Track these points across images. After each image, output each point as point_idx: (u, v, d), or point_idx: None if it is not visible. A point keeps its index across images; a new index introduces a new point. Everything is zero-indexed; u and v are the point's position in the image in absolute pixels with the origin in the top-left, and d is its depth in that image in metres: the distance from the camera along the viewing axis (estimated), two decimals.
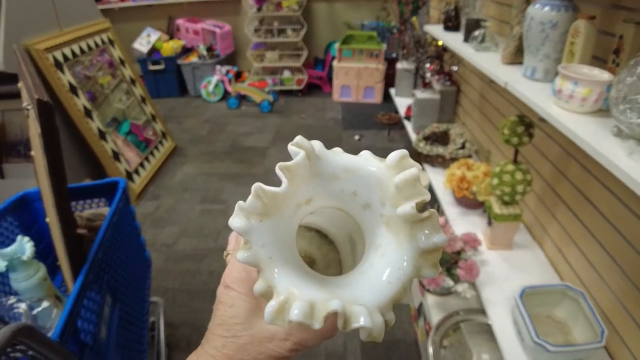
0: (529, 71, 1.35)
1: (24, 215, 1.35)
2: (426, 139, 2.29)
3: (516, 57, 1.51)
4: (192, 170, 3.03)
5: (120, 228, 1.16)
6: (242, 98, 4.28)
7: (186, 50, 4.60)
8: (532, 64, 1.33)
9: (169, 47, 4.41)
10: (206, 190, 2.75)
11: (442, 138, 2.38)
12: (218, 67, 4.33)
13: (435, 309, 1.52)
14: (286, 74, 4.49)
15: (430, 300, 1.55)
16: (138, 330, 1.22)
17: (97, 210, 1.28)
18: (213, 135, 3.62)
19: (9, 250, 1.12)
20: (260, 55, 4.52)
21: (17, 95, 2.62)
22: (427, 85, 2.73)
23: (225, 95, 4.40)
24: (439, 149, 2.18)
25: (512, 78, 1.38)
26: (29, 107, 0.81)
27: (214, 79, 4.31)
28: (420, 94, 2.61)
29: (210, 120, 3.95)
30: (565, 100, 1.07)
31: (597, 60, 1.22)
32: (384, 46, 4.15)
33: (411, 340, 1.68)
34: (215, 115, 4.05)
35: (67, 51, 2.53)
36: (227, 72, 4.30)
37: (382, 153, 0.30)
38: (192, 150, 3.32)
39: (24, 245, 1.15)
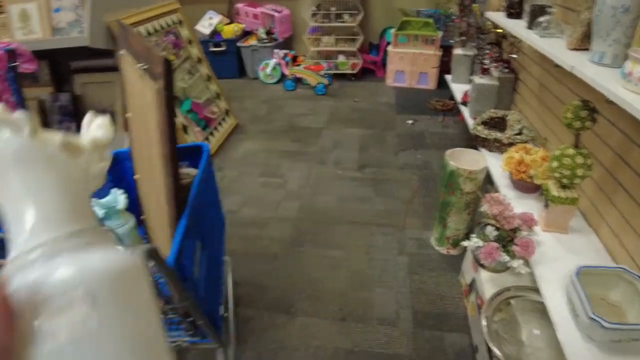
0: (596, 56, 1.37)
1: (114, 172, 1.50)
2: (484, 123, 2.32)
3: (583, 42, 1.53)
4: (252, 146, 3.19)
5: (206, 185, 1.30)
6: (297, 81, 4.40)
7: (245, 34, 4.76)
8: (601, 49, 1.35)
9: (230, 30, 4.57)
10: (266, 165, 2.91)
11: (499, 124, 2.40)
12: (276, 50, 4.46)
13: (488, 284, 1.58)
14: (341, 58, 4.56)
15: (484, 275, 1.61)
16: (217, 279, 1.37)
17: (183, 170, 1.42)
18: (271, 115, 3.77)
19: (105, 200, 1.29)
20: (316, 40, 4.61)
21: (96, 69, 2.84)
22: (485, 72, 2.74)
23: (282, 77, 4.53)
24: (497, 134, 2.20)
25: (579, 63, 1.41)
26: (145, 67, 0.94)
27: (272, 61, 4.45)
28: (479, 79, 2.63)
29: (268, 101, 4.10)
30: (635, 83, 1.10)
31: None
32: (440, 33, 4.14)
33: (461, 314, 1.75)
34: (272, 97, 4.21)
35: (141, 30, 2.71)
36: (285, 55, 4.43)
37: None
38: (252, 128, 3.49)
39: (118, 197, 1.32)
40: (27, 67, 2.11)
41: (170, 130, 0.86)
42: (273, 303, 1.82)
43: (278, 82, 4.56)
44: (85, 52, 2.42)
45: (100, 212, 1.27)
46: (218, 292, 1.37)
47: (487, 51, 2.76)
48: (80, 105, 2.87)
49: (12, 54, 2.05)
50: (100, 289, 0.25)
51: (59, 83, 2.87)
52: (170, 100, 0.85)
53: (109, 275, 0.26)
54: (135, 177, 1.43)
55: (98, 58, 2.66)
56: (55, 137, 0.34)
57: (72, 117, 2.82)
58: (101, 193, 1.37)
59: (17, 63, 2.08)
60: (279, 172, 2.81)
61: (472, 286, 1.72)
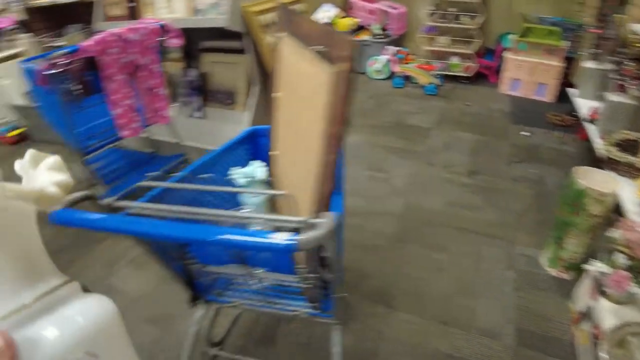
0: None
1: (251, 147, 1.63)
2: (617, 145, 2.16)
3: None
4: (359, 139, 3.26)
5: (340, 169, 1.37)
6: (406, 79, 4.38)
7: (358, 28, 4.81)
8: None
9: (345, 24, 4.65)
10: (372, 159, 2.95)
11: (631, 147, 2.22)
12: (387, 46, 4.46)
13: (608, 315, 1.49)
14: (454, 59, 4.45)
15: (605, 305, 1.52)
16: (339, 258, 1.44)
17: None
18: (378, 110, 3.81)
19: (247, 170, 1.43)
20: (430, 39, 4.54)
21: (222, 50, 3.02)
22: (622, 89, 2.54)
23: (390, 75, 4.53)
24: (630, 157, 2.05)
25: None
26: (323, 50, 1.00)
27: (383, 57, 4.46)
28: (614, 96, 2.45)
29: (375, 96, 4.14)
30: None
31: None
32: (566, 43, 3.88)
33: (567, 341, 1.67)
34: (379, 93, 4.23)
35: (269, 17, 2.86)
36: (397, 52, 4.42)
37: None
38: (359, 121, 3.54)
39: (256, 169, 1.44)
40: (175, 42, 2.33)
41: (347, 112, 0.94)
42: (374, 293, 1.87)
43: (386, 79, 4.56)
44: (215, 33, 2.61)
45: (242, 181, 1.40)
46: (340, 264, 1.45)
47: (626, 66, 2.55)
48: (206, 82, 3.09)
49: (162, 29, 2.28)
50: (95, 343, 0.24)
51: (188, 60, 3.13)
52: (351, 83, 0.91)
53: (96, 327, 0.25)
54: (272, 153, 1.53)
55: (225, 40, 2.84)
56: (29, 192, 0.28)
57: (199, 92, 3.05)
58: (244, 162, 1.50)
59: (165, 38, 2.31)
60: (385, 168, 2.84)
61: (586, 314, 1.62)
